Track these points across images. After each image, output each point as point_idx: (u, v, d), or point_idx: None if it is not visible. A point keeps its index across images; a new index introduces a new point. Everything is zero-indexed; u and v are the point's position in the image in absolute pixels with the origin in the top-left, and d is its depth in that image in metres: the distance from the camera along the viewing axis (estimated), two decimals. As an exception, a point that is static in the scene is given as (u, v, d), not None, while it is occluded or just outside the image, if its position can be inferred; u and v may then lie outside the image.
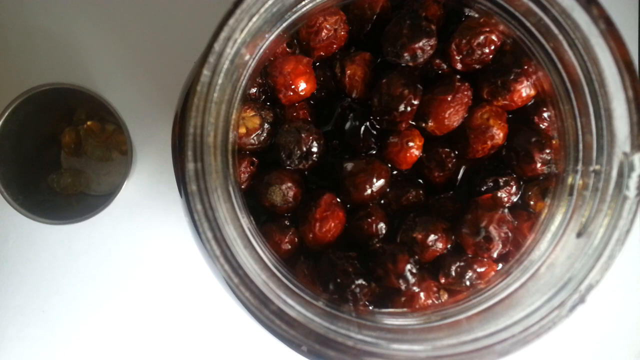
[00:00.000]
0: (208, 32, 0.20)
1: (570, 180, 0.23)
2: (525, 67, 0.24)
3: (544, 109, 0.24)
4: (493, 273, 0.24)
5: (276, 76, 0.25)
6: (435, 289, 0.24)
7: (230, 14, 0.20)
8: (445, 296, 0.25)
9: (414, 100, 0.24)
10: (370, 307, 0.24)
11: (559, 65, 0.22)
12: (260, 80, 0.25)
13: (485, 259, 0.24)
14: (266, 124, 0.25)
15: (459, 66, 0.25)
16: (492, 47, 0.24)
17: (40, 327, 0.37)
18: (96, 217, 0.32)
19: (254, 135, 0.25)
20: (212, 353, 0.37)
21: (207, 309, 0.37)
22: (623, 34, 0.20)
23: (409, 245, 0.24)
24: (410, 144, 0.24)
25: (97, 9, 0.36)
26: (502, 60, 0.24)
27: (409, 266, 0.23)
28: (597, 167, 0.21)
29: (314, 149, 0.25)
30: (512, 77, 0.24)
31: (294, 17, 0.23)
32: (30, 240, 0.37)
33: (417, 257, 0.24)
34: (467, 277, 0.24)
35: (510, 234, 0.23)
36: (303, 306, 0.21)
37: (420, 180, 0.26)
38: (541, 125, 0.25)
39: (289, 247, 0.25)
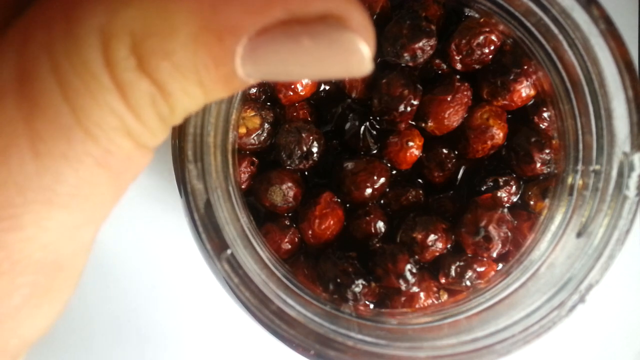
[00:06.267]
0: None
1: (570, 180, 0.23)
2: (525, 67, 0.24)
3: (544, 109, 0.24)
4: (493, 273, 0.24)
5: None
6: (435, 289, 0.24)
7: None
8: (445, 296, 0.25)
9: (414, 100, 0.24)
10: (370, 307, 0.24)
11: (559, 65, 0.22)
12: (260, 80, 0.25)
13: (485, 259, 0.24)
14: (266, 124, 0.25)
15: (458, 66, 0.25)
16: (492, 47, 0.24)
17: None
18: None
19: (254, 135, 0.25)
20: (212, 353, 0.37)
21: (206, 308, 0.37)
22: (623, 34, 0.20)
23: (408, 245, 0.24)
24: (410, 143, 0.25)
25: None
26: (501, 60, 0.24)
27: (409, 266, 0.23)
28: (597, 167, 0.21)
29: (315, 149, 0.25)
30: (511, 77, 0.24)
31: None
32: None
33: (417, 257, 0.24)
34: (467, 276, 0.24)
35: (509, 234, 0.23)
36: (303, 306, 0.21)
37: (420, 180, 0.26)
38: (541, 125, 0.25)
39: (289, 247, 0.25)
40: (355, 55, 0.11)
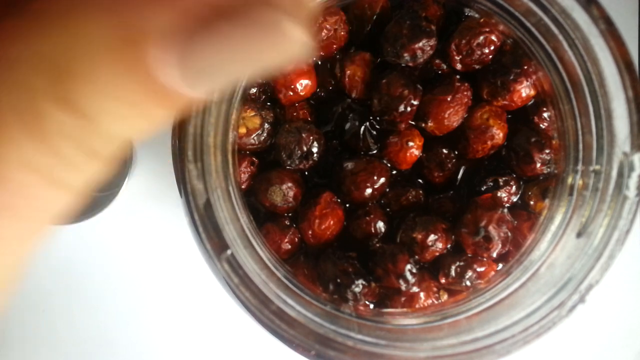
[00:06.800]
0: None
1: (570, 180, 0.23)
2: (525, 67, 0.24)
3: (544, 109, 0.24)
4: (493, 273, 0.24)
5: (276, 76, 0.25)
6: (435, 289, 0.24)
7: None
8: (445, 296, 0.25)
9: (414, 100, 0.24)
10: (370, 307, 0.24)
11: (559, 65, 0.22)
12: (260, 80, 0.25)
13: (485, 259, 0.24)
14: (266, 124, 0.25)
15: (458, 66, 0.25)
16: (492, 47, 0.24)
17: (40, 327, 0.37)
18: (96, 217, 0.32)
19: (254, 135, 0.25)
20: (212, 353, 0.37)
21: (206, 308, 0.37)
22: (623, 34, 0.20)
23: (408, 245, 0.24)
24: (410, 143, 0.25)
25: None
26: (501, 61, 0.24)
27: (409, 266, 0.23)
28: (597, 167, 0.21)
29: (315, 149, 0.25)
30: (511, 77, 0.24)
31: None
32: (30, 240, 0.37)
33: (417, 257, 0.24)
34: (467, 277, 0.24)
35: (509, 234, 0.23)
36: (303, 306, 0.21)
37: (420, 180, 0.26)
38: (541, 125, 0.25)
39: (289, 247, 0.25)
40: (278, 31, 0.10)
